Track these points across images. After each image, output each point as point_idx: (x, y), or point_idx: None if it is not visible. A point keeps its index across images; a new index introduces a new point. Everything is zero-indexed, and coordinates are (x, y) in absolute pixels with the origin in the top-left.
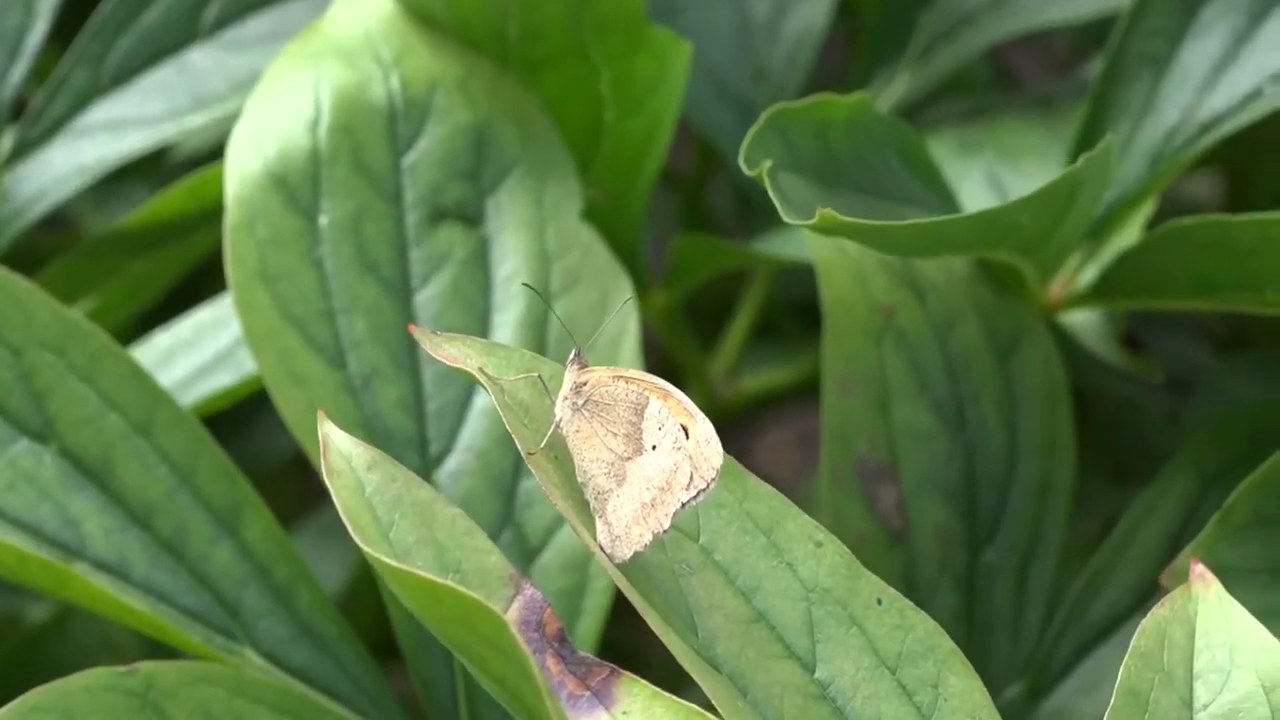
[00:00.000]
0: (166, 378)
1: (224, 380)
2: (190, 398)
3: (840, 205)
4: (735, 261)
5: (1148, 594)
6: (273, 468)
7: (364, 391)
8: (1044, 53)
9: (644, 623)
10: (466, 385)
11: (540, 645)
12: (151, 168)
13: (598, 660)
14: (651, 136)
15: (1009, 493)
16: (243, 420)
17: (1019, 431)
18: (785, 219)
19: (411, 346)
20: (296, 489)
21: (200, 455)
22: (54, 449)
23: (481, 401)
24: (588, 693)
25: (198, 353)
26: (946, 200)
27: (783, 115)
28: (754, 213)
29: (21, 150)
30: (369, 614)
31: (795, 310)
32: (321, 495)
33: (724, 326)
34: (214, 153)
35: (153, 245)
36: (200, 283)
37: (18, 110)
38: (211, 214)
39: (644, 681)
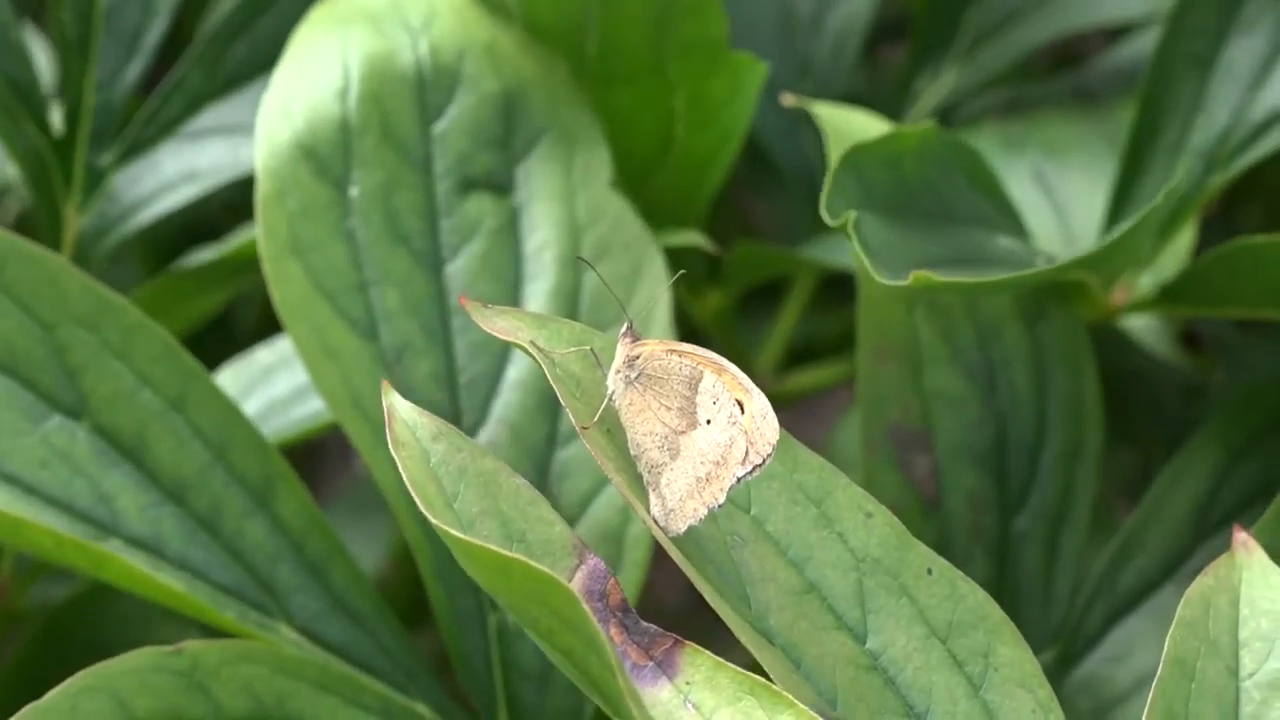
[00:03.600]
0: (265, 396)
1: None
2: (291, 418)
3: (914, 239)
4: (788, 267)
5: (1177, 563)
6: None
7: (396, 365)
8: (1062, 41)
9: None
10: (498, 357)
11: (604, 615)
12: None
13: (661, 630)
14: (719, 151)
15: (1039, 459)
16: None
17: (1049, 397)
18: (879, 280)
19: (443, 318)
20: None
21: (233, 431)
22: (87, 425)
23: (513, 373)
24: (651, 663)
25: (297, 371)
26: (1008, 214)
27: (857, 153)
28: (778, 190)
29: (134, 150)
30: (406, 592)
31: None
32: (335, 477)
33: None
34: None
35: (231, 277)
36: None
37: (131, 111)
38: None
39: (708, 652)
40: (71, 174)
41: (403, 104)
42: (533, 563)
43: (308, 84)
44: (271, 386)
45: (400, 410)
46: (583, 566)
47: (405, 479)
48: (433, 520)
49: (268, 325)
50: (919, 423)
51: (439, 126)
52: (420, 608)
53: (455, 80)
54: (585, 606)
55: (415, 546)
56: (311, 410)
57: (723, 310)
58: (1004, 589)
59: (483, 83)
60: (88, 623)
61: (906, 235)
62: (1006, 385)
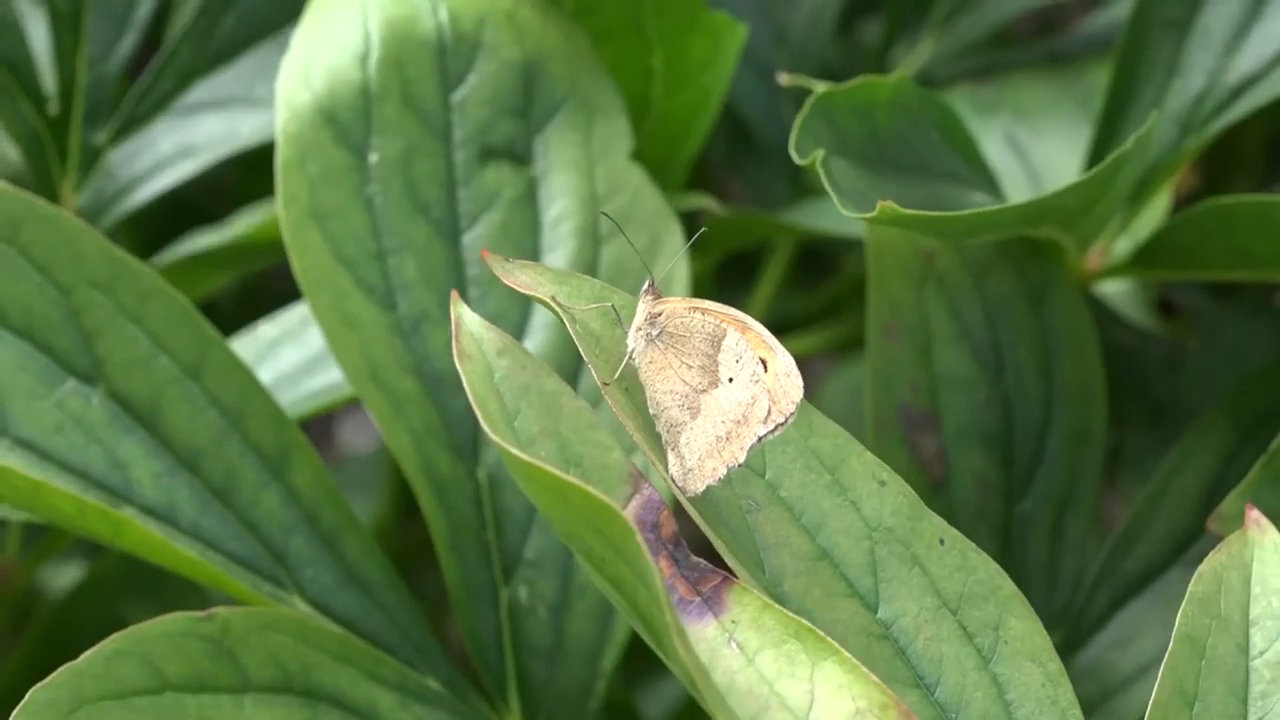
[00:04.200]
0: (271, 370)
1: (333, 375)
2: (297, 393)
3: (886, 186)
4: (768, 233)
5: (1184, 546)
6: None
7: (413, 335)
8: (1045, 10)
9: None
10: (514, 329)
11: (656, 546)
12: None
13: (711, 567)
14: (698, 113)
15: (1046, 441)
16: None
17: (1055, 379)
18: (843, 212)
19: (461, 289)
20: None
21: (250, 399)
22: (102, 390)
23: (529, 346)
24: (698, 598)
25: (304, 345)
26: (982, 172)
27: (829, 99)
28: (754, 159)
29: (128, 127)
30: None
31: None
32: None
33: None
34: None
35: (235, 263)
36: None
37: (124, 88)
38: None
39: (755, 592)
40: (67, 152)
41: (423, 70)
42: (591, 490)
43: (328, 47)
44: (278, 360)
45: (468, 323)
46: (637, 495)
47: (468, 393)
48: (493, 437)
49: (250, 305)
50: (927, 403)
51: (459, 94)
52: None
53: (476, 47)
54: (639, 538)
55: (431, 517)
56: (321, 384)
57: (700, 278)
58: (1009, 571)
59: (503, 51)
60: (98, 611)
61: (877, 183)
62: (1014, 367)
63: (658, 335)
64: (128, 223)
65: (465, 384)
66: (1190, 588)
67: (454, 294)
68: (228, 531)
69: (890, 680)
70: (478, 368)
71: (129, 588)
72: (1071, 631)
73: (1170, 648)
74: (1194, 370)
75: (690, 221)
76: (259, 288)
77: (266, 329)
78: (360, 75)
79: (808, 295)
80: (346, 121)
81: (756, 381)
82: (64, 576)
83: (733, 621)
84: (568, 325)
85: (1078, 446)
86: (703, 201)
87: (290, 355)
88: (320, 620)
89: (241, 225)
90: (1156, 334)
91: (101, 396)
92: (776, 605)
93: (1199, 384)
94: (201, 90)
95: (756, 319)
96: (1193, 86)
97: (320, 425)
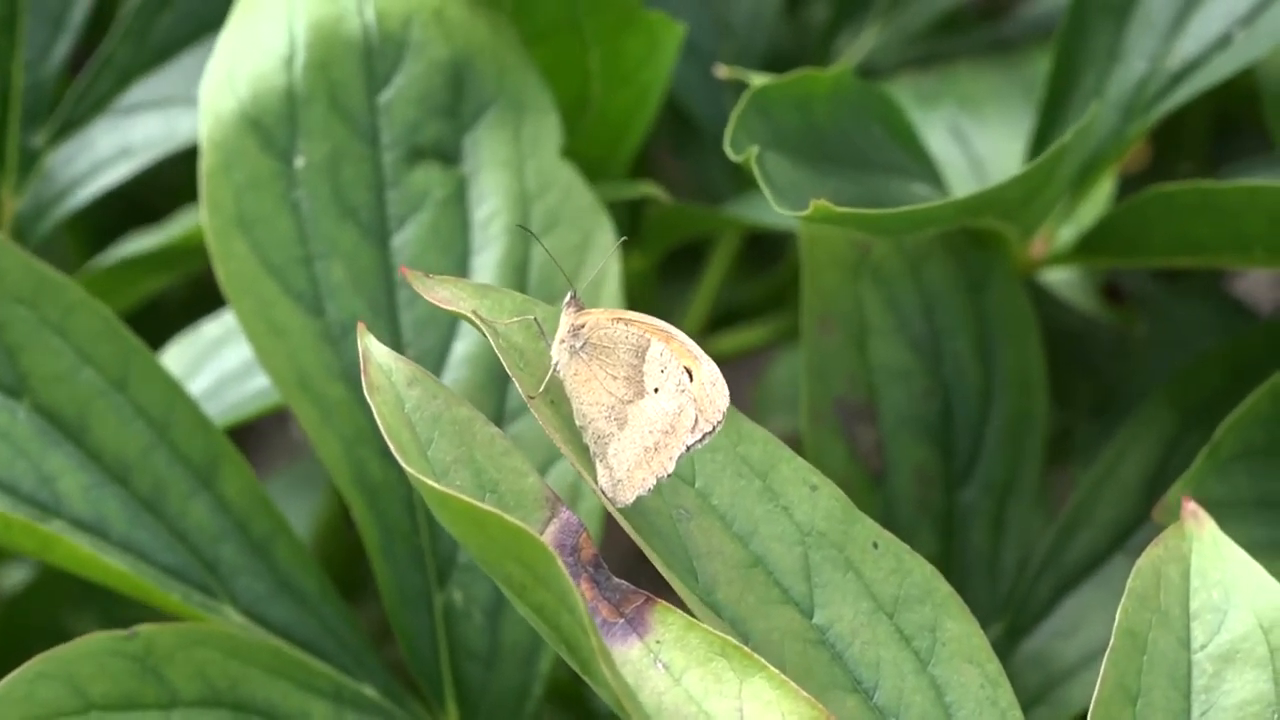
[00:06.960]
0: (215, 370)
1: None
2: (245, 391)
3: (824, 181)
4: (711, 227)
5: (1127, 533)
6: None
7: (343, 340)
8: None
9: None
10: (445, 332)
11: (576, 570)
12: None
13: (633, 587)
14: (636, 111)
15: (985, 430)
16: None
17: (994, 367)
18: (777, 209)
19: (390, 292)
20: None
21: (176, 409)
22: (27, 404)
23: (461, 349)
24: (622, 620)
25: (247, 344)
26: (925, 164)
27: (765, 94)
28: (701, 152)
29: (66, 129)
30: (334, 568)
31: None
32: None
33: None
34: None
35: (176, 262)
36: None
37: (61, 90)
38: None
39: (679, 611)
40: (5, 156)
41: (350, 72)
42: (508, 517)
43: (253, 51)
44: (221, 360)
45: (376, 354)
46: (555, 519)
47: (380, 424)
48: (406, 468)
49: (197, 301)
50: (864, 395)
51: (386, 95)
52: (349, 584)
53: (403, 47)
54: (559, 563)
55: (362, 523)
56: (267, 383)
57: (644, 273)
58: (951, 562)
59: (430, 50)
60: (43, 616)
61: (816, 178)
62: (951, 356)
63: (581, 347)
64: (74, 222)
65: (376, 416)
66: (1129, 582)
67: (360, 325)
68: (158, 543)
69: (828, 686)
70: (388, 399)
71: (74, 593)
72: (1015, 621)
73: (1111, 643)
74: (1144, 355)
75: (635, 214)
76: (206, 285)
77: (210, 328)
78: (285, 79)
79: (755, 284)
80: (271, 127)
81: (682, 391)
82: (13, 577)
83: (657, 641)
84: (490, 340)
85: (1019, 434)
86: (647, 189)
87: (234, 354)
88: (253, 631)
89: (179, 227)
90: (1104, 320)
91: (27, 410)
92: (701, 624)
93: (1149, 369)
94: (139, 91)
95: (702, 310)
96: (1134, 72)
97: (278, 419)
